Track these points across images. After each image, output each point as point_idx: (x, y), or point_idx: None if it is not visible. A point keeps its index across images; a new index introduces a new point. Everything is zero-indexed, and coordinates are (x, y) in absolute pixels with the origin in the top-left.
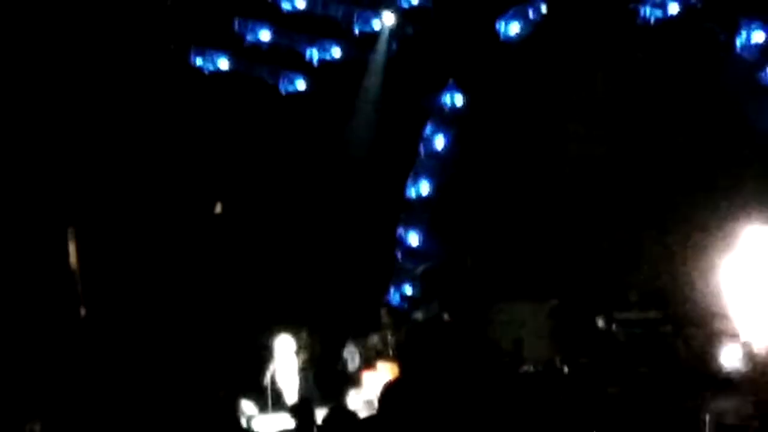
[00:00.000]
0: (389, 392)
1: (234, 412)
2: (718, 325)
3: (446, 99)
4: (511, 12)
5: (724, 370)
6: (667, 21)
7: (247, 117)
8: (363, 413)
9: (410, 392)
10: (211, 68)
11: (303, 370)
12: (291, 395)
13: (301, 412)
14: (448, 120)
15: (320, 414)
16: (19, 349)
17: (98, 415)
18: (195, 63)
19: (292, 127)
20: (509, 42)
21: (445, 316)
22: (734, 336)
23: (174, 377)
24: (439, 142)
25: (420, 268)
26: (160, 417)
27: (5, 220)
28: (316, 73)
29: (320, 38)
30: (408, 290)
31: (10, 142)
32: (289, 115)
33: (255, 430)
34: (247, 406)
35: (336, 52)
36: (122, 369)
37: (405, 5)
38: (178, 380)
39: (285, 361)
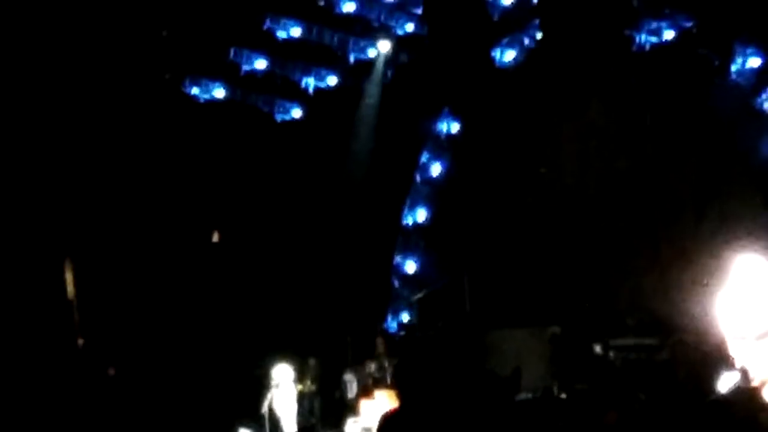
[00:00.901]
0: (387, 424)
1: None
2: (714, 351)
3: (442, 126)
4: (506, 40)
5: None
6: (662, 46)
7: (242, 145)
8: None
9: (408, 424)
10: (207, 97)
11: (309, 398)
12: (289, 424)
13: None
14: (443, 146)
15: None
16: (18, 379)
17: None
18: (190, 92)
19: (287, 155)
20: (504, 69)
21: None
22: (731, 363)
23: (173, 405)
24: (435, 169)
25: (417, 296)
26: None
27: (3, 250)
28: (312, 101)
29: (316, 66)
30: (405, 317)
31: (7, 173)
32: (284, 144)
33: None
34: None
35: (331, 80)
36: (121, 398)
37: (400, 33)
38: (178, 408)
39: (284, 390)
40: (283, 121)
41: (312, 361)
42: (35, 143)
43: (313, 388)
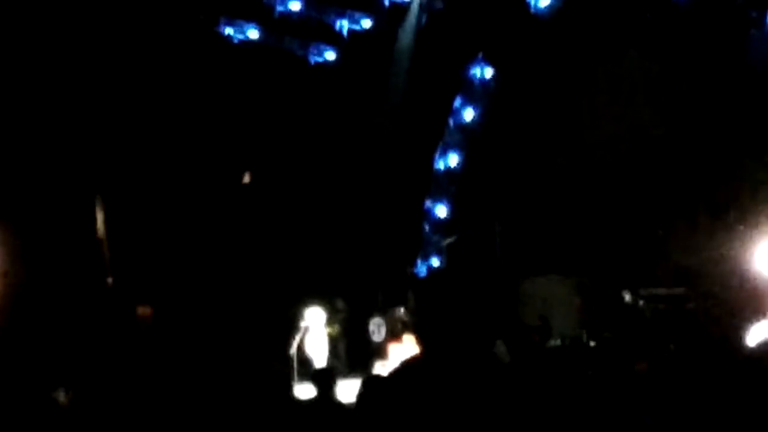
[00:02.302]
0: (405, 370)
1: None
2: (743, 303)
3: (476, 71)
4: None
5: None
6: None
7: (275, 87)
8: None
9: (429, 371)
10: (241, 38)
11: (334, 341)
12: (320, 364)
13: (322, 380)
14: (477, 93)
15: (346, 384)
16: (47, 318)
17: (129, 386)
18: (224, 32)
19: (320, 98)
20: (540, 15)
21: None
22: (761, 315)
23: (203, 345)
24: (468, 114)
25: (447, 241)
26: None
27: (35, 189)
28: (346, 45)
29: (350, 9)
30: (435, 263)
31: (39, 111)
32: (317, 86)
33: None
34: None
35: (366, 24)
36: (151, 339)
37: None
38: (208, 347)
39: (314, 332)
40: (317, 64)
41: (340, 304)
42: (67, 82)
43: (341, 330)
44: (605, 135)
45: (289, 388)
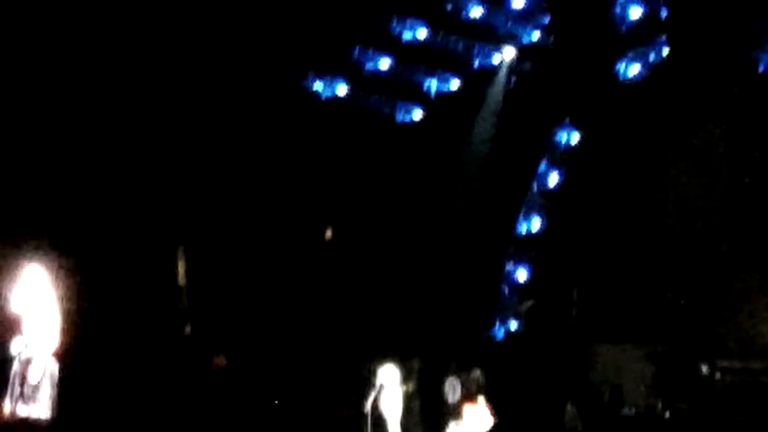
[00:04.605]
0: None
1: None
2: None
3: (562, 136)
4: (631, 54)
5: None
6: None
7: (360, 144)
8: None
9: None
10: (328, 94)
11: (408, 400)
12: (394, 425)
13: None
14: (562, 157)
15: None
16: (124, 363)
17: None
18: (313, 87)
19: (405, 157)
20: (627, 83)
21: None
22: None
23: (277, 399)
24: (552, 179)
25: (525, 305)
26: None
27: (121, 238)
28: (433, 104)
29: (439, 69)
30: (513, 326)
31: (126, 162)
32: (403, 145)
33: None
34: None
35: (454, 84)
36: (224, 389)
37: (525, 41)
38: (282, 402)
39: (389, 390)
40: (403, 123)
41: (416, 363)
42: (154, 134)
43: (416, 390)
44: (686, 203)
45: None
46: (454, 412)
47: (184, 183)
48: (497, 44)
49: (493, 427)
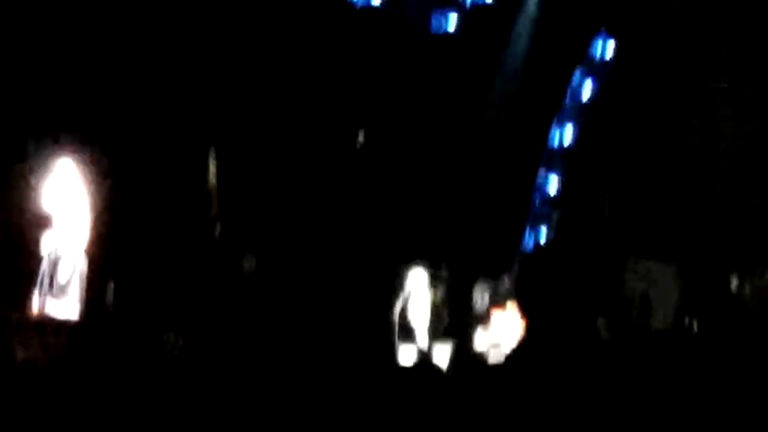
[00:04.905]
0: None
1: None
2: None
3: (597, 47)
4: None
5: None
6: None
7: (394, 55)
8: (490, 354)
9: (536, 351)
10: (363, 3)
11: (436, 306)
12: (421, 331)
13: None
14: (597, 69)
15: (446, 349)
16: (156, 261)
17: (233, 335)
18: None
19: (440, 66)
20: None
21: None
22: None
23: (304, 299)
24: (587, 91)
25: (556, 215)
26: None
27: (153, 136)
28: (468, 15)
29: None
30: (543, 236)
31: (161, 57)
32: (437, 54)
33: None
34: None
35: None
36: (254, 291)
37: None
38: (309, 302)
39: (417, 297)
40: (438, 33)
41: (445, 270)
42: (188, 29)
43: (444, 296)
44: (724, 121)
45: (393, 351)
46: (482, 319)
47: (218, 82)
48: None
49: (523, 333)
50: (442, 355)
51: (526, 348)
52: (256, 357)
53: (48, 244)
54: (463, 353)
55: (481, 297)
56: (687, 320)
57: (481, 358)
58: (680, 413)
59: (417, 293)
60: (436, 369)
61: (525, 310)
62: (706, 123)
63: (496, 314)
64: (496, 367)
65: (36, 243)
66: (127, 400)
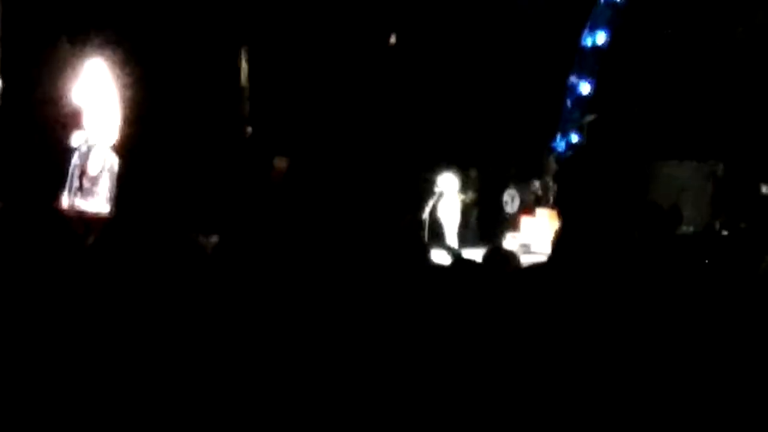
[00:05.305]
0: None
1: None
2: None
3: None
4: None
5: None
6: None
7: None
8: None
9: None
10: None
11: (466, 209)
12: (451, 232)
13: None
14: None
15: (477, 252)
16: (186, 159)
17: (265, 237)
18: None
19: None
20: None
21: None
22: None
23: (336, 200)
24: None
25: (588, 118)
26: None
27: (185, 33)
28: None
29: None
30: (574, 139)
31: None
32: None
33: None
34: None
35: None
36: (285, 192)
37: None
38: (340, 203)
39: (447, 199)
40: None
41: (474, 173)
42: None
43: (474, 199)
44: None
45: (425, 252)
46: (512, 222)
47: None
48: None
49: (555, 235)
50: (473, 257)
51: (564, 249)
52: (286, 254)
53: (78, 139)
54: (495, 255)
55: (511, 200)
56: (717, 224)
57: (513, 260)
58: (708, 321)
59: (447, 195)
60: (475, 265)
61: (562, 213)
62: (746, 28)
63: (525, 219)
64: (531, 268)
65: (66, 138)
66: (155, 299)
